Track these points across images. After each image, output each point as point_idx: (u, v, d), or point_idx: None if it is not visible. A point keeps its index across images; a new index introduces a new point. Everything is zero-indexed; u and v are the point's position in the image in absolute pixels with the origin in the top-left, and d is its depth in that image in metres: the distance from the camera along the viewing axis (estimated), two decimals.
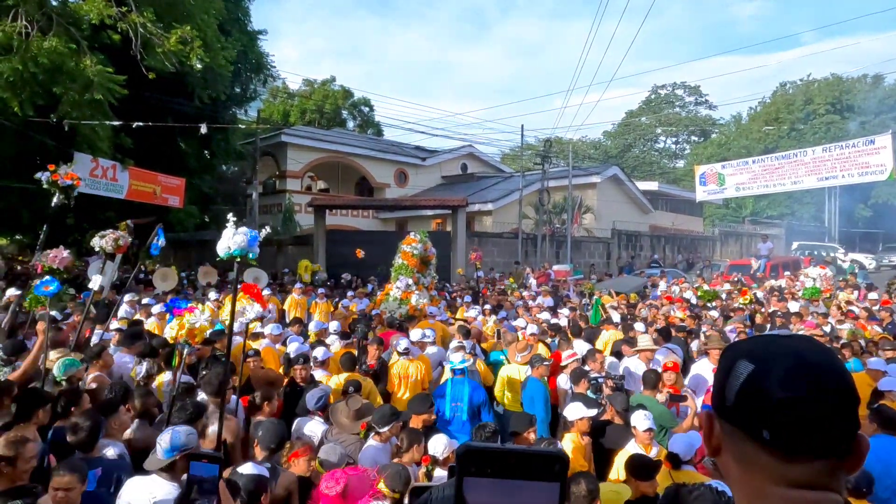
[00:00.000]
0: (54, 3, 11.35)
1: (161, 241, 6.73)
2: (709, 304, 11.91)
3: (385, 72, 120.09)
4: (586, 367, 5.93)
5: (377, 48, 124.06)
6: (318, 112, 42.33)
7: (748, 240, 34.31)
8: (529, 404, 5.60)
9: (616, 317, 9.75)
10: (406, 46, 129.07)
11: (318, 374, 5.76)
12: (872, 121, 37.18)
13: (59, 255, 5.21)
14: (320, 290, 12.34)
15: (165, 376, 5.32)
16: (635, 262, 25.63)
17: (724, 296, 13.09)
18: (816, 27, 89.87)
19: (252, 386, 5.41)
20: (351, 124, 44.96)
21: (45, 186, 6.10)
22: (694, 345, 8.07)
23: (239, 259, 4.00)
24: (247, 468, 3.02)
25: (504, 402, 6.20)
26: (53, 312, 6.44)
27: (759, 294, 13.14)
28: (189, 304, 6.12)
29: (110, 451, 3.56)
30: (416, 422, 4.49)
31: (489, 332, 8.75)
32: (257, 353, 6.10)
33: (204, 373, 5.27)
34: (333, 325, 7.76)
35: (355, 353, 6.35)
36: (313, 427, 4.57)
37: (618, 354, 7.16)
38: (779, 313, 10.58)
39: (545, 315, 9.65)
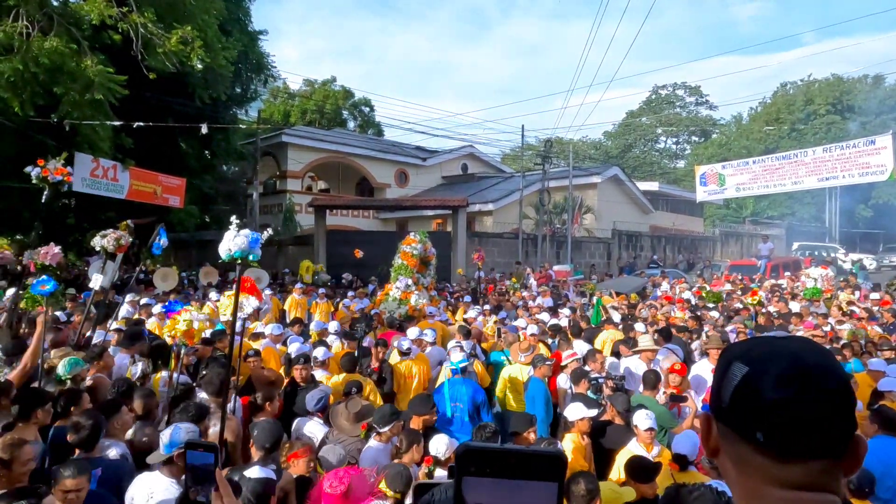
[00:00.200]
0: (55, 4, 11.35)
1: (163, 241, 6.73)
2: (709, 305, 11.90)
3: (385, 72, 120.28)
4: (586, 368, 5.93)
5: (378, 48, 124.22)
6: (319, 112, 42.34)
7: (749, 240, 34.31)
8: (531, 404, 5.60)
9: (616, 317, 9.74)
10: (406, 46, 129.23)
11: (319, 375, 5.76)
12: (873, 121, 37.18)
13: (50, 252, 5.19)
14: (321, 291, 12.34)
15: (162, 375, 5.32)
16: (637, 263, 25.63)
17: (724, 296, 13.07)
18: (817, 27, 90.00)
19: (253, 386, 5.41)
20: (351, 124, 44.98)
21: (35, 182, 6.06)
22: (695, 345, 8.07)
23: (240, 261, 4.00)
24: (253, 471, 3.01)
25: (506, 402, 6.19)
26: (58, 313, 6.45)
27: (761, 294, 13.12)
28: (184, 307, 6.13)
29: (113, 452, 3.56)
30: (416, 422, 4.49)
31: (489, 333, 8.75)
32: (257, 353, 6.10)
33: (204, 373, 5.27)
34: (333, 326, 7.76)
35: (355, 353, 6.37)
36: (313, 428, 4.57)
37: (616, 354, 7.16)
38: (775, 314, 10.56)
39: (545, 315, 9.65)
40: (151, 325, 8.07)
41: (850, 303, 11.94)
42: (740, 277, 17.29)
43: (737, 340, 7.75)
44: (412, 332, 7.35)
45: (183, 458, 3.12)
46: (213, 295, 10.90)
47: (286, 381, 5.68)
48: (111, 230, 5.96)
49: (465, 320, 9.20)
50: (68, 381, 4.28)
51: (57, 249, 5.25)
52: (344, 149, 29.29)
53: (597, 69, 34.67)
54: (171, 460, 3.23)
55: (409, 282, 10.39)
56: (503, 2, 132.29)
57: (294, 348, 6.31)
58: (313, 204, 19.46)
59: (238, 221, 4.11)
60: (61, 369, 4.31)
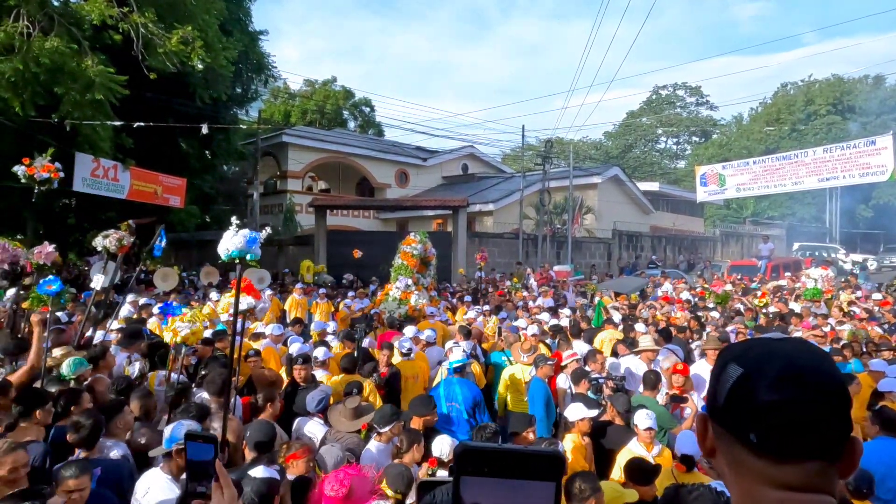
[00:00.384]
0: (56, 4, 11.37)
1: (163, 242, 6.72)
2: (710, 305, 11.90)
3: (386, 72, 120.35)
4: (587, 368, 5.93)
5: (378, 48, 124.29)
6: (319, 112, 42.35)
7: (749, 240, 34.31)
8: (532, 404, 5.61)
9: (617, 317, 9.74)
10: (407, 47, 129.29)
11: (319, 375, 5.76)
12: (873, 121, 37.17)
13: (44, 251, 5.18)
14: (321, 291, 12.34)
15: (157, 375, 5.33)
16: (638, 263, 25.63)
17: (730, 297, 13.04)
18: (817, 28, 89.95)
19: (253, 386, 5.41)
20: (352, 125, 45.00)
21: (22, 181, 6.01)
22: (696, 345, 8.07)
23: (239, 261, 4.00)
24: (258, 471, 3.01)
25: (507, 402, 6.19)
26: (59, 314, 6.45)
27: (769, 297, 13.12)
28: (183, 311, 6.14)
29: (115, 452, 3.57)
30: (416, 422, 4.49)
31: (490, 333, 8.76)
32: (258, 353, 6.10)
33: (203, 373, 5.27)
34: (331, 327, 7.76)
35: (355, 354, 6.35)
36: (313, 428, 4.57)
37: (616, 354, 7.17)
38: (773, 315, 10.54)
39: (545, 315, 9.65)
40: (152, 324, 8.08)
41: (850, 303, 11.93)
42: (739, 277, 17.30)
43: (736, 341, 7.79)
44: (409, 330, 7.32)
45: (182, 454, 3.13)
46: (213, 295, 10.90)
47: (287, 381, 5.68)
48: (113, 230, 5.96)
49: (465, 320, 9.20)
50: (72, 382, 4.29)
51: (51, 248, 5.23)
52: (344, 149, 29.30)
53: (597, 69, 34.65)
54: (170, 456, 3.24)
55: (410, 282, 10.40)
56: (503, 2, 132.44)
57: (295, 348, 6.31)
58: (314, 204, 19.47)
59: (238, 222, 4.11)
60: (66, 369, 4.32)
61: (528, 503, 0.68)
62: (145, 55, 10.89)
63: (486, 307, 10.81)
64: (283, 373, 6.03)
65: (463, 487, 0.69)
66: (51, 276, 4.90)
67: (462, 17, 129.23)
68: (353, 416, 4.39)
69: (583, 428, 4.39)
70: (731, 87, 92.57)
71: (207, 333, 6.29)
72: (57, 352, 4.65)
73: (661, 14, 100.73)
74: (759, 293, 12.90)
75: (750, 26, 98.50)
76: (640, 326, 8.23)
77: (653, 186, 34.03)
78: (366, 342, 7.23)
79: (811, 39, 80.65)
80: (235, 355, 4.44)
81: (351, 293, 12.76)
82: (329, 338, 7.31)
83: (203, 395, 4.81)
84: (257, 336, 7.18)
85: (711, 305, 11.93)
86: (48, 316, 4.47)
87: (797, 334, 8.28)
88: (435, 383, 6.03)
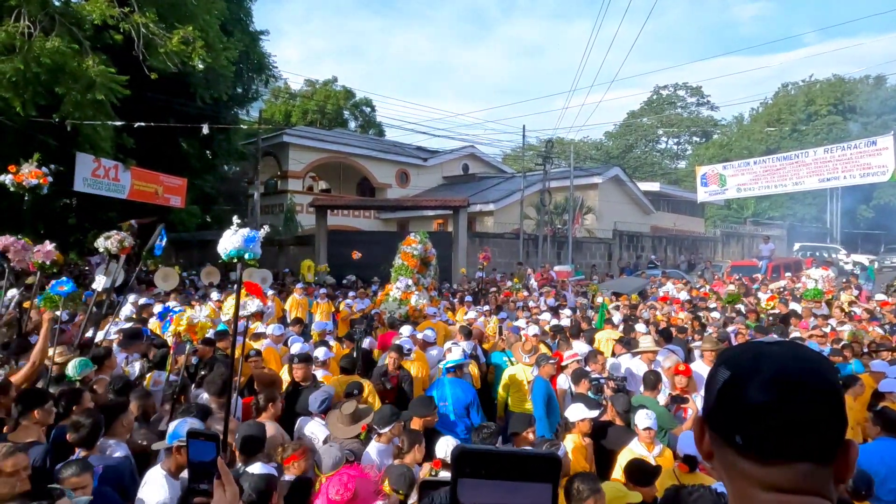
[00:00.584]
0: (57, 4, 11.38)
1: (164, 241, 6.70)
2: (710, 306, 11.89)
3: (387, 72, 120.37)
4: (587, 368, 5.93)
5: (379, 49, 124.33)
6: (320, 112, 42.36)
7: (749, 241, 34.29)
8: (534, 404, 5.62)
9: (617, 317, 9.74)
10: (408, 47, 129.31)
11: (319, 375, 5.75)
12: (874, 122, 37.17)
13: (43, 250, 5.18)
14: (322, 291, 12.34)
15: (155, 375, 5.33)
16: (639, 263, 25.63)
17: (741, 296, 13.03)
18: (818, 28, 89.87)
19: (255, 387, 5.41)
20: (352, 125, 45.01)
21: (11, 190, 5.93)
22: (695, 345, 8.07)
23: (238, 260, 3.99)
24: (256, 468, 3.02)
25: (507, 403, 6.19)
26: (58, 312, 6.45)
27: (763, 296, 13.12)
28: (183, 311, 6.13)
29: (117, 452, 3.57)
30: (416, 423, 4.49)
31: (490, 333, 8.76)
32: (259, 353, 6.10)
33: (203, 373, 5.27)
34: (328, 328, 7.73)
35: (353, 354, 6.32)
36: (314, 428, 4.57)
37: (613, 354, 7.19)
38: (772, 317, 10.53)
39: (546, 316, 9.66)
40: (152, 324, 8.08)
41: (851, 303, 11.92)
42: (738, 277, 17.29)
43: (737, 342, 7.83)
44: (405, 330, 7.27)
45: (182, 451, 3.14)
46: (214, 295, 10.90)
47: (288, 381, 5.68)
48: (115, 232, 5.95)
49: (465, 321, 9.20)
50: (77, 383, 4.30)
51: (50, 247, 5.23)
52: (345, 149, 29.31)
53: (598, 69, 34.65)
54: (171, 452, 3.24)
55: (410, 282, 10.40)
56: (504, 2, 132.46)
57: (296, 348, 6.31)
58: (314, 204, 19.47)
59: (239, 221, 4.10)
60: (72, 370, 4.34)
61: None
62: (146, 55, 10.90)
63: (487, 307, 10.81)
64: (284, 372, 6.02)
65: (460, 489, 0.69)
66: (64, 278, 4.92)
67: (463, 17, 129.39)
68: (351, 422, 4.33)
69: (583, 428, 4.39)
70: (732, 87, 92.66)
71: (210, 333, 6.29)
72: (54, 352, 4.66)
73: (661, 14, 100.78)
74: (763, 294, 12.91)
75: (751, 26, 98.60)
76: (640, 327, 8.24)
77: (653, 187, 34.02)
78: (366, 343, 7.23)
79: (812, 39, 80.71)
80: (237, 355, 4.44)
81: (352, 293, 12.75)
82: (329, 337, 7.30)
83: (203, 396, 4.82)
84: (258, 336, 7.18)
85: (713, 305, 11.93)
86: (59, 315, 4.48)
87: (796, 335, 8.29)
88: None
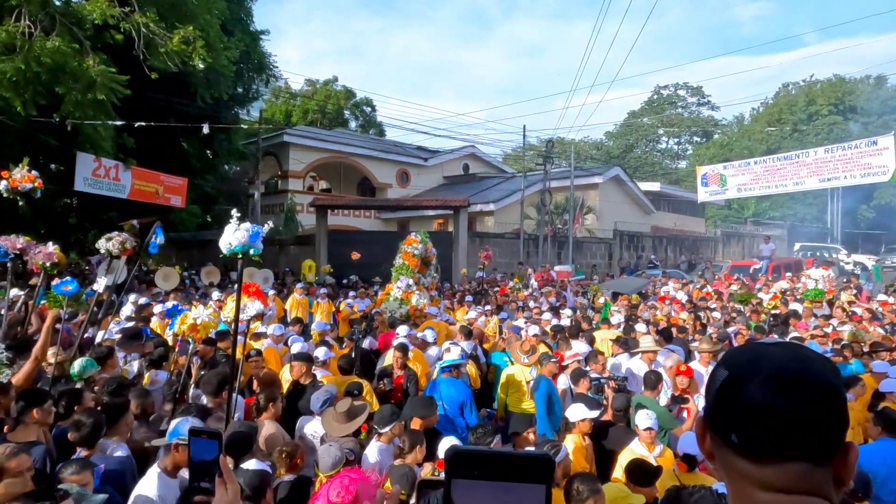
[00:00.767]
0: (57, 3, 11.38)
1: (159, 240, 6.62)
2: (711, 306, 11.89)
3: (387, 72, 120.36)
4: (587, 368, 5.93)
5: (379, 48, 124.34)
6: (321, 112, 42.37)
7: (750, 241, 34.29)
8: (536, 402, 5.62)
9: (616, 318, 9.73)
10: (408, 47, 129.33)
11: (319, 375, 5.75)
12: (875, 122, 37.16)
13: (44, 251, 5.17)
14: (322, 291, 12.35)
15: (153, 375, 5.33)
16: (639, 263, 25.63)
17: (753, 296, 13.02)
18: (819, 28, 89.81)
19: (253, 387, 5.41)
20: (353, 124, 45.00)
21: (4, 195, 5.90)
22: (695, 345, 8.07)
23: (241, 256, 3.97)
24: (250, 464, 3.02)
25: (506, 403, 6.19)
26: (60, 311, 6.45)
27: (764, 296, 13.12)
28: (189, 310, 6.12)
29: (118, 452, 3.57)
30: (416, 423, 4.49)
31: (491, 333, 8.75)
32: (259, 353, 6.10)
33: (202, 373, 5.27)
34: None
35: (352, 354, 6.32)
36: (315, 427, 4.57)
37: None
38: (771, 319, 10.52)
39: (547, 315, 9.66)
40: (154, 324, 8.09)
41: (850, 303, 11.91)
42: (738, 277, 17.28)
43: (737, 341, 7.80)
44: (402, 329, 7.22)
45: (180, 449, 3.14)
46: (214, 294, 10.91)
47: (289, 381, 5.68)
48: (116, 233, 5.94)
49: (466, 320, 9.20)
50: (82, 382, 4.31)
51: (51, 248, 5.22)
52: (345, 149, 29.31)
53: (598, 69, 34.70)
54: (168, 450, 3.24)
55: (411, 282, 10.40)
56: (504, 2, 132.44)
57: (297, 348, 6.31)
58: (315, 204, 19.48)
59: (239, 215, 4.06)
60: (79, 368, 4.35)
61: None
62: (147, 55, 10.90)
63: (488, 307, 10.81)
64: (285, 372, 6.02)
65: (454, 490, 0.70)
66: (68, 277, 4.91)
67: (463, 17, 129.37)
68: (346, 420, 4.27)
69: (583, 428, 4.39)
70: (733, 87, 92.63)
71: (212, 333, 6.29)
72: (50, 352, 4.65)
73: (662, 14, 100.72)
74: (765, 295, 12.91)
75: (751, 26, 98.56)
76: (640, 327, 8.23)
77: (654, 186, 34.02)
78: (366, 343, 7.23)
79: (812, 39, 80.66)
80: (238, 355, 4.44)
81: (352, 293, 12.76)
82: (329, 337, 7.30)
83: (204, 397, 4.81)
84: (258, 336, 7.18)
85: (713, 306, 11.92)
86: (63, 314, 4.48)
87: (795, 335, 8.28)
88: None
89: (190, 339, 5.11)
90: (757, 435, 0.78)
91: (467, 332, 7.37)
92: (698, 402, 5.37)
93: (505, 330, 8.58)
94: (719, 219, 43.91)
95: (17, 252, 5.10)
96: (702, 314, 10.57)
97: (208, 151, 19.95)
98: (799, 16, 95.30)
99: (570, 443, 4.37)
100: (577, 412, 4.40)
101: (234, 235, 3.89)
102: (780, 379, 0.78)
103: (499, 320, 9.30)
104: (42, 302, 5.71)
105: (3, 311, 5.43)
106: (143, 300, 9.47)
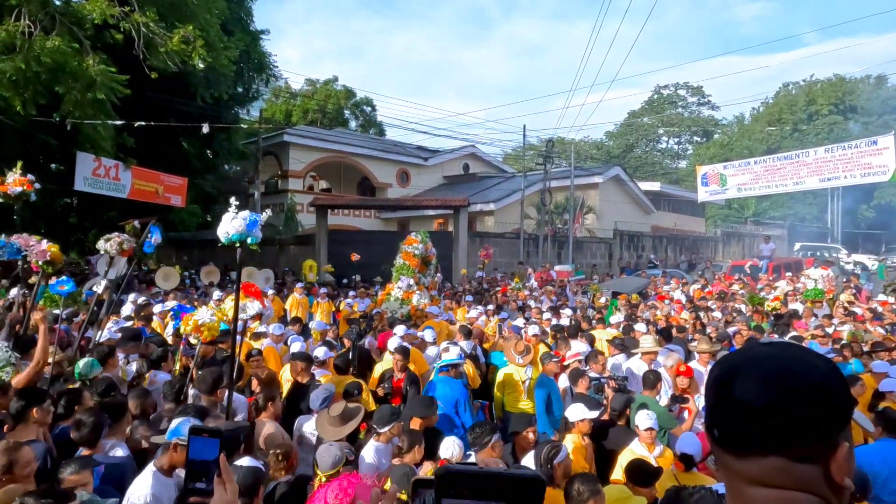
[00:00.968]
0: (57, 3, 11.38)
1: (155, 238, 6.55)
2: (711, 306, 11.88)
3: (387, 72, 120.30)
4: (586, 368, 5.93)
5: (379, 48, 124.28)
6: (321, 112, 42.35)
7: (750, 240, 34.30)
8: (536, 400, 5.61)
9: (616, 317, 9.72)
10: (408, 46, 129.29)
11: (319, 374, 5.75)
12: (875, 121, 37.15)
13: (38, 248, 5.15)
14: (322, 290, 12.35)
15: (152, 375, 5.32)
16: (640, 263, 25.63)
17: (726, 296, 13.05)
18: (819, 28, 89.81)
19: (252, 387, 5.41)
20: (353, 124, 44.98)
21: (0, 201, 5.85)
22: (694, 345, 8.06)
23: (239, 245, 3.92)
24: (244, 461, 3.02)
25: (504, 402, 6.18)
26: (57, 311, 6.46)
27: (767, 296, 13.11)
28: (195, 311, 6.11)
29: (119, 452, 3.57)
30: (415, 423, 4.48)
31: (490, 332, 8.74)
32: (259, 352, 6.10)
33: (201, 373, 5.26)
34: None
35: (349, 354, 6.30)
36: (314, 426, 4.56)
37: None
38: (771, 320, 10.51)
39: (547, 315, 9.65)
40: (154, 324, 8.08)
41: (850, 303, 11.90)
42: (738, 277, 17.26)
43: (737, 341, 7.78)
44: (399, 329, 7.19)
45: (178, 449, 3.13)
46: (214, 294, 10.90)
47: (289, 380, 5.67)
48: (115, 234, 5.92)
49: (466, 320, 9.19)
50: (87, 382, 4.31)
51: (43, 245, 5.17)
52: (345, 148, 29.31)
53: (599, 69, 34.72)
54: (166, 449, 3.23)
55: (411, 281, 10.40)
56: (505, 2, 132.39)
57: (297, 347, 6.31)
58: (315, 203, 19.47)
59: (237, 203, 3.99)
60: (85, 369, 4.35)
61: None
62: (147, 54, 10.90)
63: (490, 307, 10.80)
64: (285, 371, 6.01)
65: None
66: (64, 277, 4.90)
67: (463, 16, 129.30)
68: (340, 423, 4.18)
69: (583, 428, 4.39)
70: (733, 86, 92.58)
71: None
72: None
73: (662, 14, 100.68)
74: (768, 295, 12.90)
75: (751, 26, 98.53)
76: (640, 327, 8.22)
77: (654, 186, 34.01)
78: (365, 342, 7.22)
79: (812, 39, 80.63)
80: (238, 355, 4.43)
81: (352, 293, 12.75)
82: (329, 336, 7.29)
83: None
84: (258, 336, 7.18)
85: (713, 305, 11.92)
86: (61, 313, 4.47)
87: (794, 335, 8.28)
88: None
89: (195, 340, 5.10)
90: (733, 429, 0.81)
91: (467, 332, 7.36)
92: (698, 401, 5.37)
93: (505, 330, 8.57)
94: (719, 219, 43.91)
95: (27, 250, 5.11)
96: (702, 314, 10.57)
97: (208, 151, 19.95)
98: (799, 16, 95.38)
99: (570, 443, 4.36)
100: (577, 412, 4.39)
101: (231, 224, 3.83)
102: (761, 375, 0.80)
103: (499, 320, 9.29)
104: (39, 302, 5.70)
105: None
106: (142, 300, 9.47)
